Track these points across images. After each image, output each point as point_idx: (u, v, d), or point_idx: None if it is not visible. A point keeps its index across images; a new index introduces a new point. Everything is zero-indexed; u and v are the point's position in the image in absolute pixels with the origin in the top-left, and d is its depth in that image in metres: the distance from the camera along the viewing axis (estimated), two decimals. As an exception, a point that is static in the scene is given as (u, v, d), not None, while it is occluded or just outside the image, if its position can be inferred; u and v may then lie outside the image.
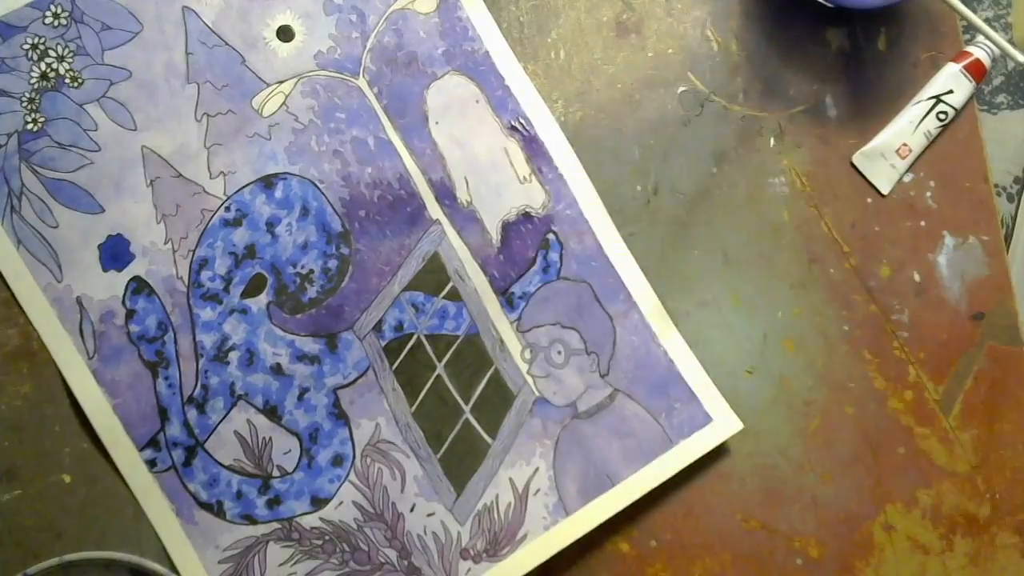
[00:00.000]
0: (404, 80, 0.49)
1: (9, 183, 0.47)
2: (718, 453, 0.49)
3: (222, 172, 0.48)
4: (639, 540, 0.49)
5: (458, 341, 0.48)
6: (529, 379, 0.48)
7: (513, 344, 0.48)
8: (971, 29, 0.53)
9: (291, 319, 0.47)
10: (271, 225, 0.48)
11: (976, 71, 0.51)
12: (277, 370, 0.47)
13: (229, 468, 0.46)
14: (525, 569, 0.47)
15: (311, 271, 0.48)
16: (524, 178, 0.49)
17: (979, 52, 0.51)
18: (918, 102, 0.51)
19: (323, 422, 0.47)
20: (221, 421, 0.46)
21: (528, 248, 0.49)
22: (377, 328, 0.48)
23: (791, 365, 0.50)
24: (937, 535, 0.50)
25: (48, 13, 0.48)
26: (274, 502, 0.46)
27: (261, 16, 0.49)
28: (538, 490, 0.47)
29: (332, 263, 0.48)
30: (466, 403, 0.48)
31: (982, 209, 0.52)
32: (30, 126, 0.47)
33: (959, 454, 0.50)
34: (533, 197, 0.49)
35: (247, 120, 0.48)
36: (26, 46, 0.47)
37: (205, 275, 0.47)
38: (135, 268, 0.47)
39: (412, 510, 0.47)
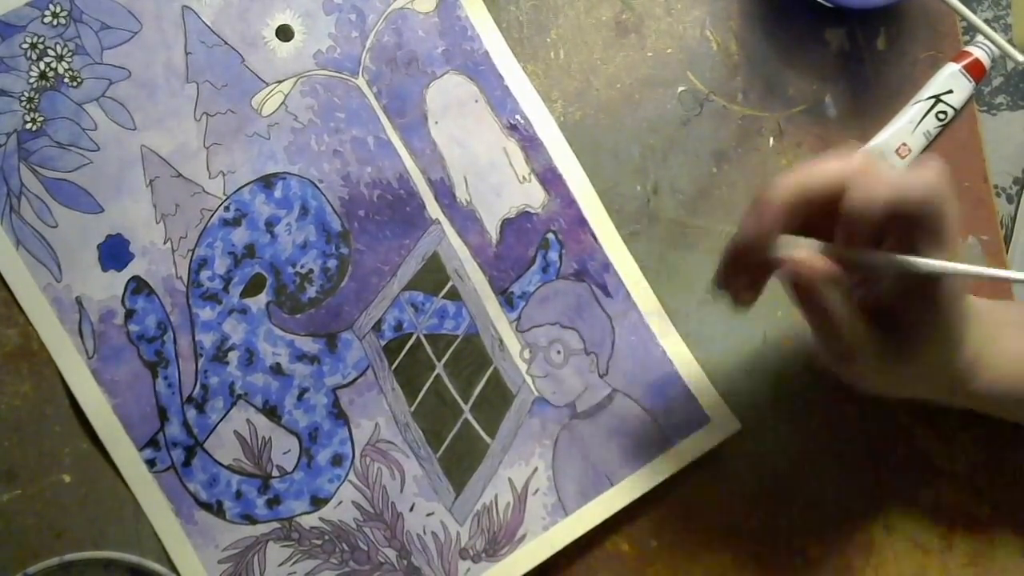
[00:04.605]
0: (403, 80, 0.49)
1: (8, 183, 0.47)
2: (718, 453, 0.49)
3: (221, 172, 0.48)
4: (639, 540, 0.48)
5: (457, 341, 0.48)
6: (528, 379, 0.48)
7: (512, 344, 0.48)
8: (971, 29, 0.53)
9: (290, 319, 0.47)
10: (270, 225, 0.48)
11: (975, 71, 0.51)
12: (276, 370, 0.47)
13: (229, 468, 0.46)
14: (524, 569, 0.47)
15: (310, 271, 0.48)
16: (523, 178, 0.49)
17: (979, 52, 0.51)
18: (917, 102, 0.51)
19: (323, 422, 0.47)
20: (220, 421, 0.46)
21: (527, 247, 0.49)
22: (376, 328, 0.48)
23: (791, 365, 0.50)
24: (937, 535, 0.50)
25: (47, 12, 0.48)
26: (274, 502, 0.46)
27: (261, 15, 0.49)
28: (537, 490, 0.47)
29: (331, 263, 0.48)
30: (465, 403, 0.48)
31: (981, 209, 0.52)
32: (29, 126, 0.47)
33: (959, 454, 0.50)
34: (532, 197, 0.49)
35: (246, 120, 0.48)
36: (25, 45, 0.47)
37: (204, 275, 0.47)
38: (134, 268, 0.47)
39: (411, 510, 0.47)
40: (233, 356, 0.47)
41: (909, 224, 0.36)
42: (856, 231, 0.35)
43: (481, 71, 0.50)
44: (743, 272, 0.39)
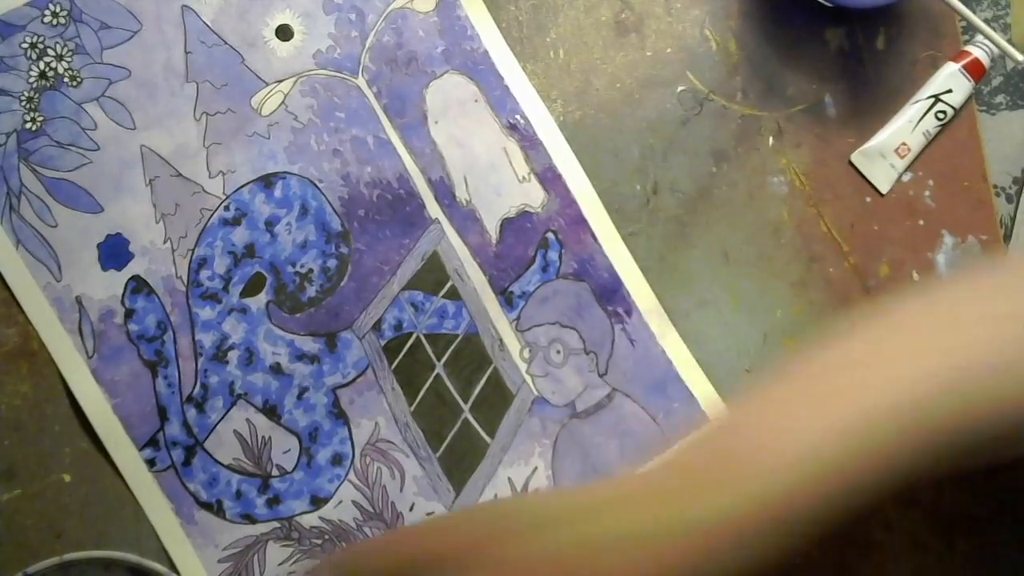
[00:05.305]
0: (403, 79, 0.49)
1: (8, 182, 0.47)
2: (717, 452, 0.49)
3: (221, 171, 0.48)
4: (638, 539, 0.48)
5: (457, 340, 0.48)
6: (528, 378, 0.48)
7: (512, 343, 0.48)
8: (970, 29, 0.53)
9: (290, 318, 0.47)
10: (270, 224, 0.48)
11: (975, 71, 0.51)
12: (276, 369, 0.47)
13: (229, 467, 0.46)
14: (524, 568, 0.47)
15: (310, 270, 0.48)
16: (523, 177, 0.49)
17: (978, 52, 0.51)
18: (917, 101, 0.51)
19: (322, 421, 0.47)
20: (220, 420, 0.46)
21: (527, 247, 0.49)
22: (376, 327, 0.48)
23: (790, 364, 0.50)
24: (937, 535, 0.50)
25: (47, 12, 0.48)
26: (274, 501, 0.46)
27: (260, 15, 0.49)
28: (536, 489, 0.47)
29: (331, 262, 0.48)
30: (465, 402, 0.48)
31: (981, 208, 0.52)
32: (29, 125, 0.47)
33: (958, 453, 0.50)
34: (532, 196, 0.49)
35: (246, 119, 0.48)
36: (25, 45, 0.47)
37: (204, 274, 0.47)
38: (134, 267, 0.47)
39: (411, 509, 0.47)
40: (233, 356, 0.47)
41: None
42: None
43: (481, 71, 0.50)
44: None
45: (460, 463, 0.47)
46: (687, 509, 0.29)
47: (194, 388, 0.46)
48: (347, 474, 0.47)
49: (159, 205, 0.47)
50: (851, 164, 0.52)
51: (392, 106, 0.49)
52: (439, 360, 0.48)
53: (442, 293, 0.48)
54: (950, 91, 0.51)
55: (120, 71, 0.48)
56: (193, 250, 0.47)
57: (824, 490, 0.29)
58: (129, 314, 0.47)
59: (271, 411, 0.47)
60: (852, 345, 0.34)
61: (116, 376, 0.46)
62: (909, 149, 0.51)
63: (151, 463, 0.46)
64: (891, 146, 0.51)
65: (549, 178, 0.50)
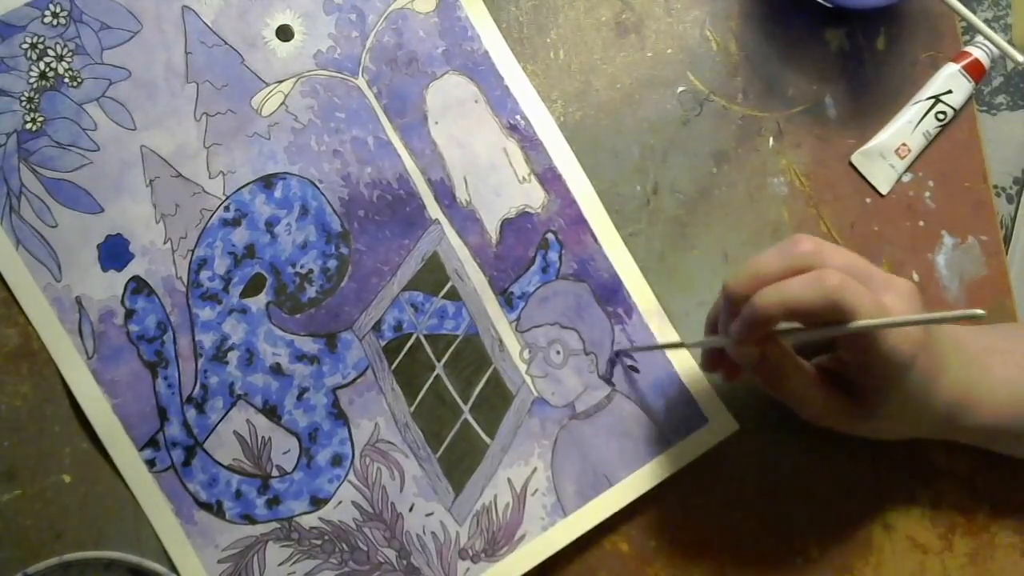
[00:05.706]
0: (403, 80, 0.49)
1: (8, 183, 0.47)
2: (718, 453, 0.49)
3: (221, 172, 0.48)
4: (639, 540, 0.48)
5: (457, 341, 0.48)
6: (528, 379, 0.48)
7: (512, 344, 0.48)
8: (970, 29, 0.53)
9: (290, 319, 0.47)
10: (270, 225, 0.48)
11: (975, 71, 0.51)
12: (276, 370, 0.47)
13: (228, 468, 0.46)
14: (523, 569, 0.47)
15: (310, 271, 0.48)
16: (523, 178, 0.49)
17: (978, 52, 0.51)
18: (917, 102, 0.51)
19: (322, 422, 0.47)
20: (220, 421, 0.46)
21: (527, 248, 0.49)
22: (376, 328, 0.48)
23: (790, 365, 0.50)
24: (937, 535, 0.50)
25: (47, 12, 0.48)
26: (273, 502, 0.46)
27: (260, 15, 0.49)
28: (536, 490, 0.47)
29: (331, 263, 0.48)
30: (465, 403, 0.48)
31: (981, 209, 0.52)
32: (29, 126, 0.47)
33: (959, 454, 0.50)
34: (532, 197, 0.49)
35: (246, 120, 0.48)
36: (25, 45, 0.47)
37: (204, 275, 0.47)
38: (134, 268, 0.47)
39: (411, 510, 0.47)
40: (233, 356, 0.47)
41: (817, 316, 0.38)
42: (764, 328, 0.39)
43: (481, 71, 0.50)
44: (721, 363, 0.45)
45: (460, 463, 0.47)
46: None
47: (194, 389, 0.46)
48: (347, 475, 0.47)
49: (159, 205, 0.47)
50: (851, 165, 0.52)
51: (392, 106, 0.49)
52: (439, 361, 0.48)
53: (442, 294, 0.48)
54: (950, 92, 0.51)
55: (120, 71, 0.48)
56: (193, 251, 0.47)
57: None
58: (129, 314, 0.47)
59: (271, 412, 0.47)
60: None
61: (116, 376, 0.46)
62: (909, 150, 0.51)
63: (151, 463, 0.46)
64: (891, 147, 0.51)
65: (549, 178, 0.50)
